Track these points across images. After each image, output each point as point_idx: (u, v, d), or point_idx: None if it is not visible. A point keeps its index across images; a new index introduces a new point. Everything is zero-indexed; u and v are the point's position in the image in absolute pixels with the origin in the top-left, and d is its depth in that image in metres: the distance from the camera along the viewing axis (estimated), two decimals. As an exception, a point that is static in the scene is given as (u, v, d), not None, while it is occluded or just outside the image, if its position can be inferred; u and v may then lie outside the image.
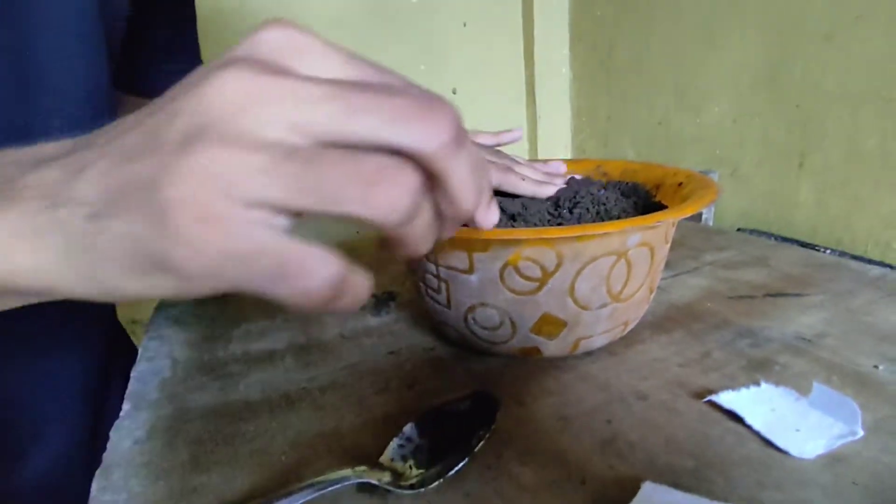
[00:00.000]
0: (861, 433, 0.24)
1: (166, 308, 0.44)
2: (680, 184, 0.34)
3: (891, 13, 0.66)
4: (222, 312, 0.42)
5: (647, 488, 0.21)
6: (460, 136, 0.16)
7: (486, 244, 0.26)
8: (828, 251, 0.76)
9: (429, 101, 0.15)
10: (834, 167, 0.76)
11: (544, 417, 0.27)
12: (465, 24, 1.18)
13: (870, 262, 0.71)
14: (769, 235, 0.85)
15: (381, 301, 0.42)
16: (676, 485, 0.22)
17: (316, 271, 0.15)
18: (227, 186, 0.14)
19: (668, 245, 0.31)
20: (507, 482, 0.23)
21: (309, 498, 0.21)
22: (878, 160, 0.70)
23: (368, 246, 0.58)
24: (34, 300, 0.19)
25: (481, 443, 0.23)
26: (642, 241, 0.27)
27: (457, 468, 0.22)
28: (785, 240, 0.83)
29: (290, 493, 0.21)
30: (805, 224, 0.81)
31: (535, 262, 0.26)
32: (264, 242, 0.15)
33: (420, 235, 0.17)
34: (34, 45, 0.31)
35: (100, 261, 0.16)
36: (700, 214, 0.93)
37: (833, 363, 0.29)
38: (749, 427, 0.25)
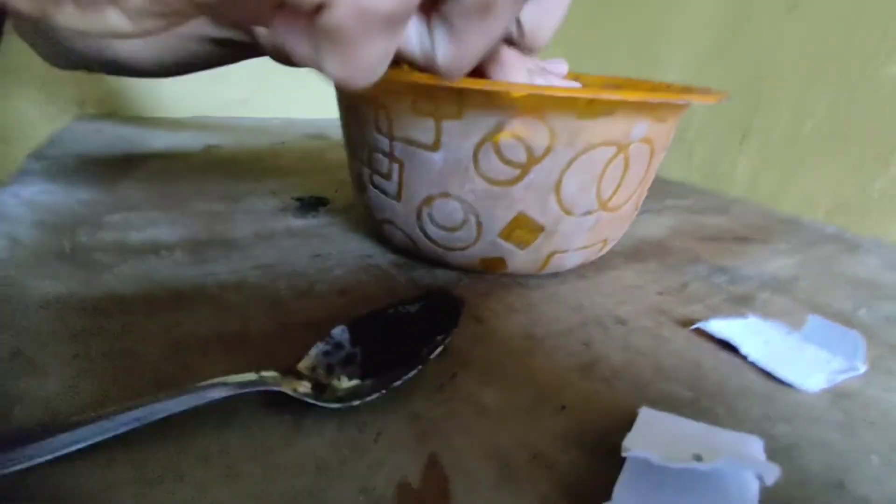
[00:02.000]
0: (863, 368, 0.21)
1: (16, 185, 0.34)
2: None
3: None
4: (97, 198, 0.33)
5: (646, 414, 0.17)
6: None
7: (460, 103, 0.20)
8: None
9: None
10: (771, 145, 0.77)
11: (509, 336, 0.22)
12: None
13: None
14: (703, 207, 0.86)
15: (307, 204, 0.34)
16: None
17: None
18: None
19: (665, 153, 0.26)
20: (465, 405, 0.17)
21: (180, 410, 0.14)
22: (812, 141, 0.72)
23: (293, 156, 0.49)
24: None
25: (439, 349, 0.17)
26: (647, 135, 0.22)
27: (404, 378, 0.16)
28: (717, 212, 0.84)
29: (151, 403, 0.14)
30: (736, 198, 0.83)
31: (520, 141, 0.21)
32: None
33: None
34: None
35: None
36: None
37: (815, 303, 0.27)
38: (744, 358, 0.21)
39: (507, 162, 0.21)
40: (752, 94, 0.78)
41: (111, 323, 0.20)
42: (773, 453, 0.16)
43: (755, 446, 0.15)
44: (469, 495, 0.14)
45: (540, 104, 0.20)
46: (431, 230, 0.24)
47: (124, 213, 0.31)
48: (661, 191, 0.48)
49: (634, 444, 0.14)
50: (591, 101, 0.19)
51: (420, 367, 0.17)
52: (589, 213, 0.24)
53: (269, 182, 0.39)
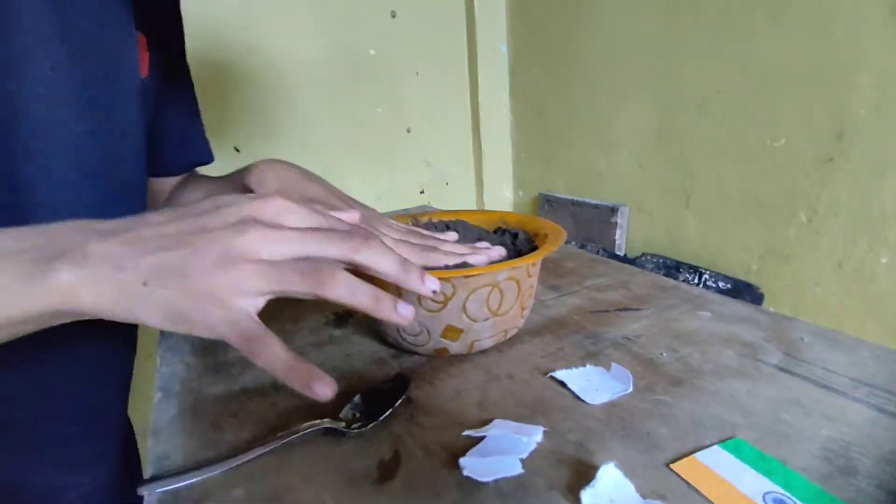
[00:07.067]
0: (630, 389, 0.39)
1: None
2: (546, 234, 0.49)
3: (741, 88, 0.85)
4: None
5: (496, 422, 0.36)
6: (359, 246, 0.28)
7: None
8: (685, 271, 0.95)
9: (347, 234, 0.28)
10: (710, 207, 0.95)
11: (444, 391, 0.41)
12: (417, 73, 1.34)
13: (698, 279, 0.90)
14: (666, 259, 1.03)
15: (340, 318, 0.56)
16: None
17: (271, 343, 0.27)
18: (236, 282, 0.25)
19: (533, 278, 0.46)
20: (414, 427, 0.37)
21: (291, 439, 0.35)
22: (738, 202, 0.89)
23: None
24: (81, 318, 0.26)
25: (397, 403, 0.38)
26: (508, 276, 0.43)
27: (382, 417, 0.37)
28: (678, 263, 1.01)
29: (278, 438, 0.35)
30: (692, 252, 1.00)
31: (439, 293, 0.41)
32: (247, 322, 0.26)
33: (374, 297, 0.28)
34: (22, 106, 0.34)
35: (141, 306, 0.24)
36: (614, 242, 1.10)
37: (637, 353, 0.45)
38: (570, 389, 0.40)
39: (434, 301, 0.42)
40: (685, 169, 0.97)
41: (249, 404, 0.41)
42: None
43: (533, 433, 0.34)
44: (411, 467, 0.33)
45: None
46: (406, 336, 0.45)
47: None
48: (588, 272, 0.67)
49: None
50: (467, 273, 0.40)
51: (390, 410, 0.37)
52: (487, 319, 0.44)
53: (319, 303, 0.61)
